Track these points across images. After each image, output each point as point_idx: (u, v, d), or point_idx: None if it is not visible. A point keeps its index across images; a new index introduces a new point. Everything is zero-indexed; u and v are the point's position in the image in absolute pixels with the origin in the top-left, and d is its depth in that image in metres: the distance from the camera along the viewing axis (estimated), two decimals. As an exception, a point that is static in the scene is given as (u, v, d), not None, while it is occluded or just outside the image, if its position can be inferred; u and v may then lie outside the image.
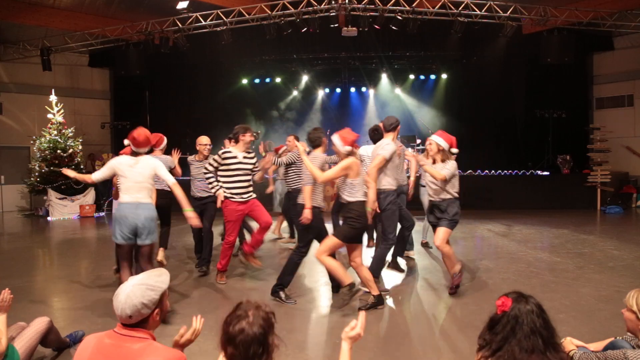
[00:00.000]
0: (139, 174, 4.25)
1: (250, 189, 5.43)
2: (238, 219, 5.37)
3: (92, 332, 2.20)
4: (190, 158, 6.40)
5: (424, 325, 4.31)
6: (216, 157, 5.31)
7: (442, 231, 4.98)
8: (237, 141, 5.43)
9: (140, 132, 4.36)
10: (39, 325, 3.29)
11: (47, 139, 12.10)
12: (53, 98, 12.30)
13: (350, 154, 4.56)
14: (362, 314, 2.10)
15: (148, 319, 2.04)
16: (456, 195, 5.04)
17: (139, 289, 2.03)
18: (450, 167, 4.94)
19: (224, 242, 5.50)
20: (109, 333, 2.04)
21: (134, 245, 4.26)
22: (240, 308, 1.88)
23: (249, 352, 1.80)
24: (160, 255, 6.28)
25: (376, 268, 5.14)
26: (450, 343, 3.89)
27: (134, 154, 4.38)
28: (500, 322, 1.99)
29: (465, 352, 3.53)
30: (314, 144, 5.06)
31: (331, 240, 4.58)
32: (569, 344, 2.75)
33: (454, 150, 5.32)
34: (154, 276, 2.11)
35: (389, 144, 5.09)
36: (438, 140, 5.03)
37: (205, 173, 5.37)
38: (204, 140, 6.29)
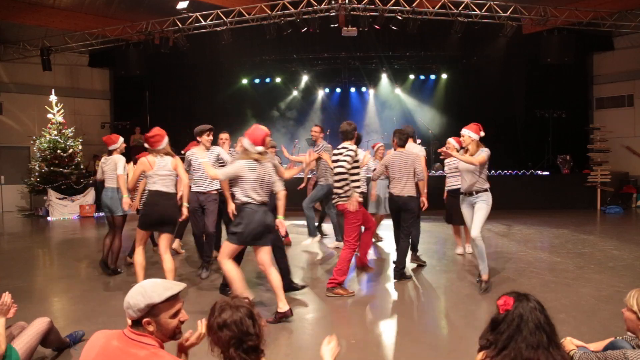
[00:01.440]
0: (108, 168, 6.01)
1: None
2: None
3: (92, 332, 2.17)
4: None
5: (423, 326, 4.31)
6: (348, 157, 5.04)
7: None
8: (350, 138, 5.21)
9: (106, 136, 6.27)
10: (39, 325, 3.29)
11: (47, 139, 12.10)
12: (53, 98, 12.30)
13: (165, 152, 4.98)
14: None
15: (142, 324, 1.97)
16: (244, 199, 4.17)
17: (136, 288, 2.00)
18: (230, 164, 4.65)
19: (349, 248, 5.11)
20: (118, 334, 1.99)
21: (112, 216, 6.05)
22: (217, 305, 2.05)
23: (244, 327, 1.94)
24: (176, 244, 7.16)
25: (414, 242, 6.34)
26: (450, 343, 3.89)
27: (109, 152, 6.09)
28: (504, 321, 1.99)
29: (465, 352, 3.52)
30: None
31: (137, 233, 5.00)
32: (569, 343, 2.74)
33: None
34: (160, 285, 2.02)
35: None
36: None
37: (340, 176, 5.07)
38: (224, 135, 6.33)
